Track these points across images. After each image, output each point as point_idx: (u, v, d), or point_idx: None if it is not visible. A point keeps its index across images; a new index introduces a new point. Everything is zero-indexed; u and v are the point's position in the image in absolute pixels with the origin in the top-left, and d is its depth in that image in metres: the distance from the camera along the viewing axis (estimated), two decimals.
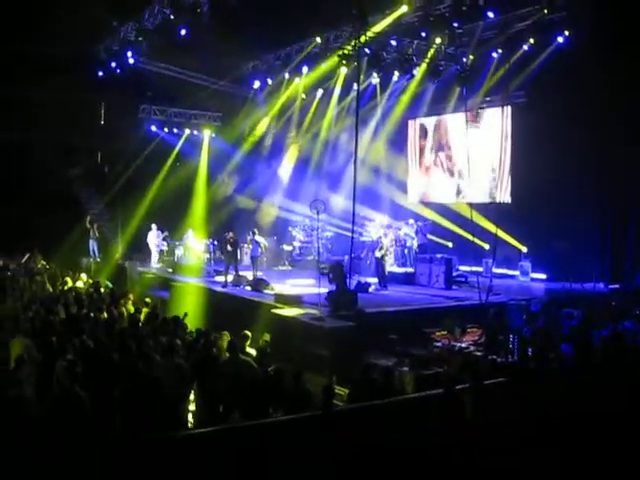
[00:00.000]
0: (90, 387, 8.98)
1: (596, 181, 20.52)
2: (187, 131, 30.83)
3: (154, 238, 26.63)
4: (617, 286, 19.41)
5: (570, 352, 12.58)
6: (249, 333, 12.32)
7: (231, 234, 22.06)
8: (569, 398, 9.00)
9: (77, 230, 26.85)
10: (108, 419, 8.54)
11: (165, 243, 27.07)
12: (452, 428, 8.14)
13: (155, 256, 26.56)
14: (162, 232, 26.77)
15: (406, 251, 23.86)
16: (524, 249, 22.56)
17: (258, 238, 22.60)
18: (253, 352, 12.08)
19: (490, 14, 19.80)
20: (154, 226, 26.63)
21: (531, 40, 20.53)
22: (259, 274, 21.73)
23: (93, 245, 27.08)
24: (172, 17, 20.44)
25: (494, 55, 22.03)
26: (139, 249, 27.22)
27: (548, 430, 8.44)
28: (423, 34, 21.86)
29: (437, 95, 25.48)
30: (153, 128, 30.09)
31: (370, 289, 19.88)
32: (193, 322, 14.90)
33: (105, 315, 14.96)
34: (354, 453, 7.40)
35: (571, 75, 19.58)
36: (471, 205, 19.38)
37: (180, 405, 10.00)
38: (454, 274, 21.73)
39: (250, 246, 22.89)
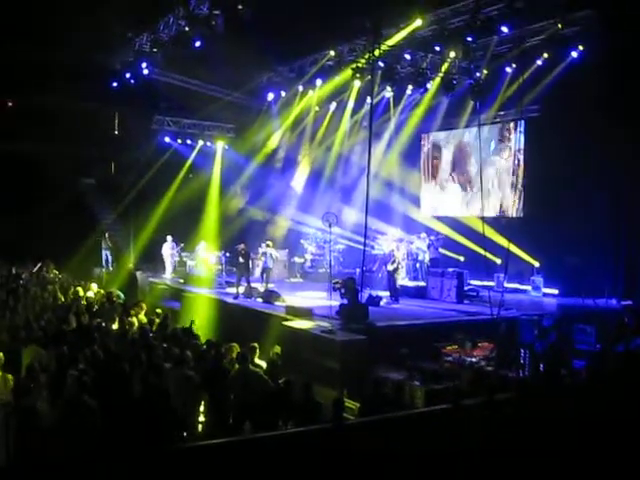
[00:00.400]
0: (101, 397, 8.99)
1: (609, 196, 20.44)
2: (200, 142, 30.89)
3: (169, 249, 26.62)
4: (630, 302, 19.29)
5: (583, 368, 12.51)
6: (257, 345, 12.32)
7: (242, 246, 22.06)
8: (581, 414, 8.93)
9: (89, 240, 26.96)
10: (118, 429, 8.53)
11: (179, 255, 27.07)
12: (461, 442, 8.09)
13: (169, 267, 26.53)
14: (177, 244, 26.79)
15: (418, 265, 23.80)
16: (536, 264, 22.45)
17: (270, 250, 22.60)
18: (263, 364, 12.07)
19: (504, 29, 19.78)
20: (169, 237, 26.64)
21: (545, 55, 20.58)
22: (270, 286, 21.70)
23: (107, 255, 27.14)
24: (187, 29, 20.52)
25: (508, 69, 22.07)
26: (151, 260, 27.28)
27: (559, 446, 8.37)
28: (437, 48, 21.89)
29: (451, 109, 25.47)
30: (166, 139, 30.19)
31: (382, 302, 19.83)
32: (204, 333, 14.90)
33: (116, 325, 15.02)
34: (365, 467, 7.35)
35: (585, 89, 19.54)
36: (483, 219, 19.31)
37: (190, 416, 10.00)
38: (466, 288, 21.67)
39: (262, 258, 22.89)
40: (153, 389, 9.16)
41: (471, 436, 8.32)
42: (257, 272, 23.80)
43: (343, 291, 16.80)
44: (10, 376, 10.18)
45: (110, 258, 27.24)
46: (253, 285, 21.55)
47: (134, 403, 9.08)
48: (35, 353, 11.49)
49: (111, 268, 26.77)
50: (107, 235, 27.22)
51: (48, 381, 10.15)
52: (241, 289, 21.25)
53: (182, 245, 26.72)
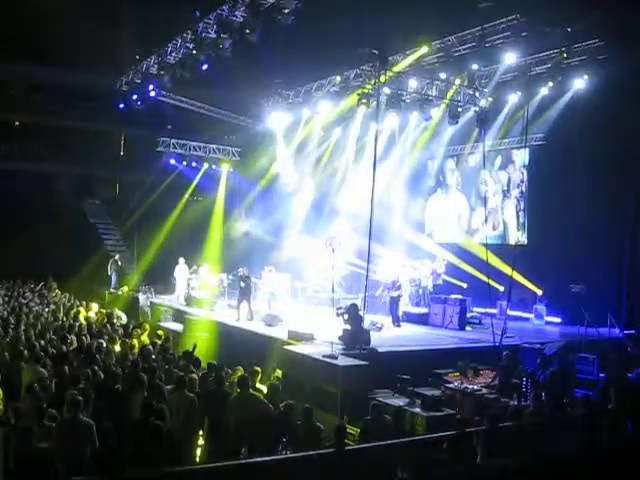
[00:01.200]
0: (100, 417, 8.96)
1: (614, 225, 20.47)
2: (205, 165, 30.97)
3: (183, 272, 25.98)
4: (632, 331, 19.22)
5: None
6: (259, 369, 12.27)
7: (243, 270, 22.04)
8: (584, 444, 8.88)
9: (92, 260, 26.97)
10: (116, 449, 8.50)
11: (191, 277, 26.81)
12: (464, 470, 8.04)
13: (182, 289, 25.77)
14: (189, 267, 26.61)
15: (420, 291, 23.70)
16: (539, 292, 22.42)
17: (275, 275, 22.60)
18: (264, 388, 12.02)
19: (509, 57, 19.90)
20: (182, 260, 26.03)
21: (550, 83, 20.67)
22: (272, 311, 21.61)
23: (114, 277, 27.12)
24: (194, 52, 20.68)
25: (513, 97, 22.15)
26: (154, 280, 27.21)
27: (560, 477, 8.32)
28: (443, 75, 22.04)
29: (456, 136, 25.57)
30: (172, 161, 30.25)
31: (384, 328, 19.76)
32: (205, 356, 14.85)
33: (118, 346, 14.98)
34: None
35: (590, 118, 19.64)
36: (487, 246, 19.29)
37: (189, 439, 9.95)
38: (468, 315, 21.56)
39: (266, 282, 22.85)
40: (152, 410, 9.11)
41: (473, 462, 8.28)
42: (259, 296, 23.66)
43: (346, 317, 16.74)
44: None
45: (117, 280, 27.17)
46: (255, 309, 21.52)
47: (133, 424, 9.04)
48: (35, 372, 11.45)
49: (119, 292, 26.61)
50: (117, 257, 27.12)
51: (47, 401, 10.11)
52: (242, 313, 21.21)
53: (195, 267, 26.32)
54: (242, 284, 21.68)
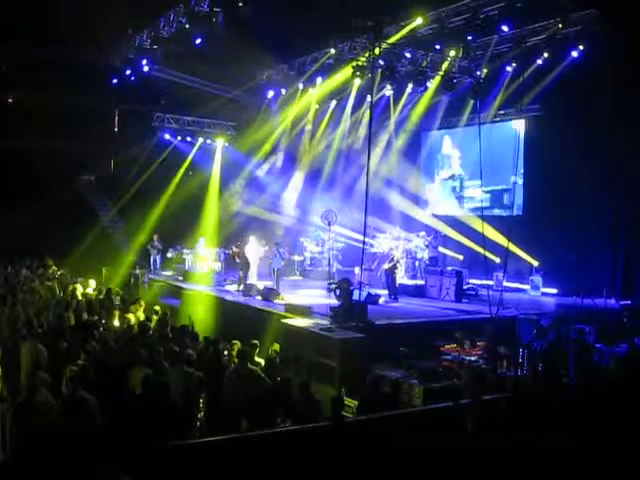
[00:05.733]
0: (100, 393, 8.99)
1: (609, 196, 20.50)
2: (200, 140, 30.86)
3: (255, 249, 23.48)
4: (629, 302, 19.32)
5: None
6: (257, 342, 12.33)
7: (235, 248, 22.14)
8: (581, 415, 8.93)
9: (88, 236, 26.90)
10: (118, 425, 8.54)
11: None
12: (459, 441, 8.10)
13: (255, 267, 23.33)
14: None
15: (417, 263, 23.79)
16: (535, 263, 22.50)
17: (281, 250, 22.60)
18: (262, 362, 12.08)
19: (504, 28, 19.83)
20: (252, 238, 23.77)
21: (545, 54, 20.64)
22: (271, 284, 21.64)
23: (155, 258, 26.93)
24: (187, 26, 20.56)
25: (508, 69, 22.12)
26: (149, 257, 27.18)
27: (551, 448, 8.37)
28: (437, 47, 21.96)
29: (451, 107, 25.54)
30: (167, 136, 30.18)
31: (380, 301, 19.83)
32: (203, 330, 14.90)
33: (116, 322, 15.02)
34: (363, 465, 7.37)
35: (585, 89, 19.59)
36: (482, 218, 19.32)
37: (189, 413, 10.00)
38: (464, 287, 21.67)
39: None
40: (153, 385, 9.15)
41: (469, 435, 8.34)
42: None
43: (338, 292, 16.76)
44: None
45: (159, 261, 26.97)
46: (252, 282, 21.58)
47: (134, 399, 9.08)
48: (34, 349, 11.48)
49: (158, 273, 26.31)
50: (155, 237, 26.87)
51: (47, 377, 10.15)
52: (241, 286, 21.33)
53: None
54: (237, 260, 21.79)
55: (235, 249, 22.91)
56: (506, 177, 24.41)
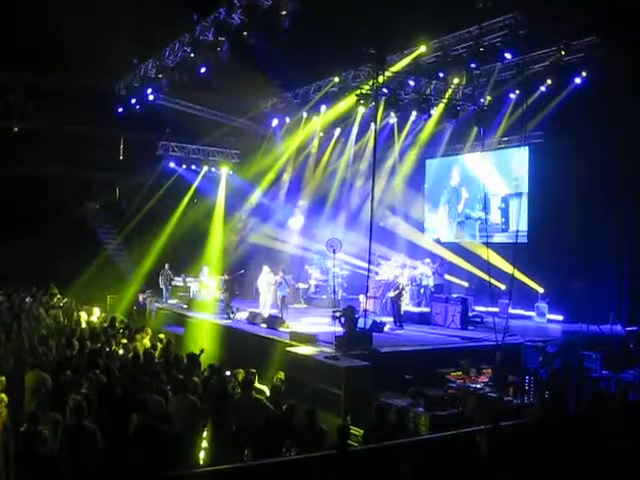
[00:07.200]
0: (103, 422, 8.94)
1: (614, 222, 20.46)
2: (205, 168, 30.95)
3: (267, 279, 23.08)
4: (635, 328, 19.21)
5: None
6: (254, 370, 12.23)
7: (226, 276, 22.55)
8: (586, 443, 8.84)
9: (93, 265, 26.92)
10: (121, 454, 8.48)
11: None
12: (467, 468, 8.02)
13: (267, 298, 23.08)
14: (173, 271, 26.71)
15: (422, 290, 23.72)
16: (541, 290, 22.40)
17: (286, 277, 22.57)
18: (266, 390, 12.01)
19: (507, 55, 19.91)
20: (266, 268, 23.26)
21: (548, 81, 20.72)
22: (274, 312, 21.58)
23: (165, 288, 26.62)
24: (192, 55, 20.69)
25: (511, 96, 22.22)
26: (154, 285, 27.15)
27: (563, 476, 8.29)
28: (441, 74, 22.06)
29: (455, 135, 25.60)
30: (171, 164, 30.26)
31: (385, 328, 19.74)
32: (207, 359, 14.83)
33: (120, 350, 14.96)
34: None
35: (589, 116, 19.64)
36: (488, 245, 19.27)
37: (192, 442, 9.93)
38: (470, 314, 21.58)
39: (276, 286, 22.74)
40: (156, 414, 9.09)
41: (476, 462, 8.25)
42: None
43: (343, 320, 16.69)
44: (4, 395, 10.14)
45: (168, 291, 26.70)
46: (257, 310, 21.53)
47: (137, 428, 9.02)
48: (38, 378, 11.44)
49: (166, 303, 26.04)
50: (167, 267, 26.80)
51: (50, 406, 10.10)
52: (244, 314, 21.30)
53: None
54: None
55: (226, 277, 23.06)
56: (510, 204, 24.41)
